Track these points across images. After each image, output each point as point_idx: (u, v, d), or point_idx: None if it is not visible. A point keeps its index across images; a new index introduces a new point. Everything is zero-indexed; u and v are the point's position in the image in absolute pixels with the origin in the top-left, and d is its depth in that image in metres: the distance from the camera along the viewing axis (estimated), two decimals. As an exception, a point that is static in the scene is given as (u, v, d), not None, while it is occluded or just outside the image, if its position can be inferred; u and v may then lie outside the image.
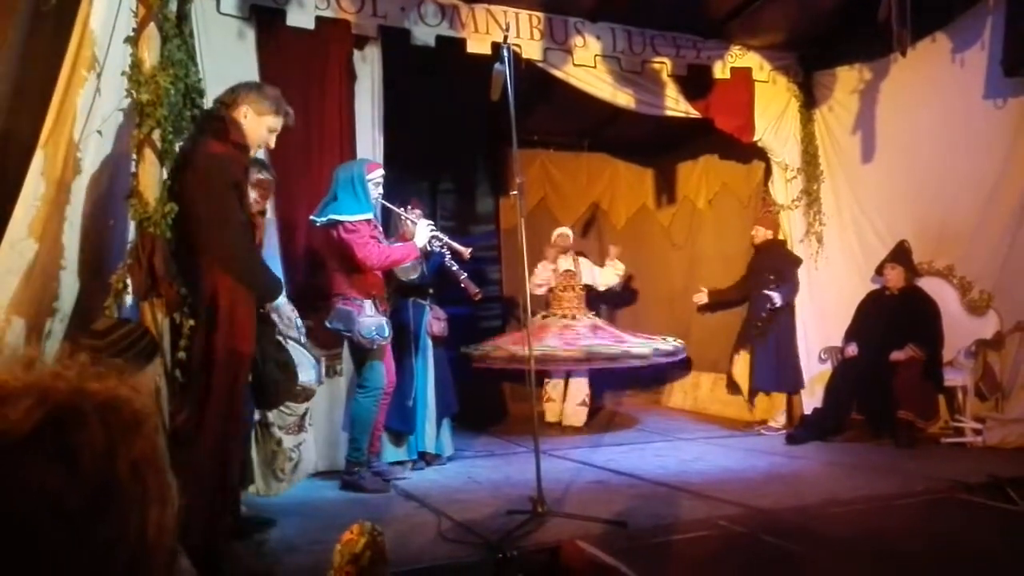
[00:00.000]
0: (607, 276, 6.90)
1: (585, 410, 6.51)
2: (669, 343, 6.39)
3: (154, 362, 2.31)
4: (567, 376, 6.55)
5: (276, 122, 3.18)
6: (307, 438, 4.40)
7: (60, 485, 0.58)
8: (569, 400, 6.53)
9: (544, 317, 6.64)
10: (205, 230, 2.97)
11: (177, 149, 3.20)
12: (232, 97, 3.11)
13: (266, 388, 3.22)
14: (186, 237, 3.04)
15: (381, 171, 4.47)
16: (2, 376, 0.61)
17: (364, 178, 4.28)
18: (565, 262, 6.75)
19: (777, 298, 6.04)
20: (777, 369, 6.09)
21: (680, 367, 7.42)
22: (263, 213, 3.52)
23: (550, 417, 6.55)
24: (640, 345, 6.25)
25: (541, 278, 6.69)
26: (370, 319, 4.23)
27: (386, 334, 4.28)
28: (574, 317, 6.58)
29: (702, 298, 6.75)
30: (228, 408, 2.94)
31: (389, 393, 4.50)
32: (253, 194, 3.54)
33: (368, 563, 2.24)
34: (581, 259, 6.93)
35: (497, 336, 6.74)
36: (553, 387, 6.62)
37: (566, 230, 7.00)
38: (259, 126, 3.13)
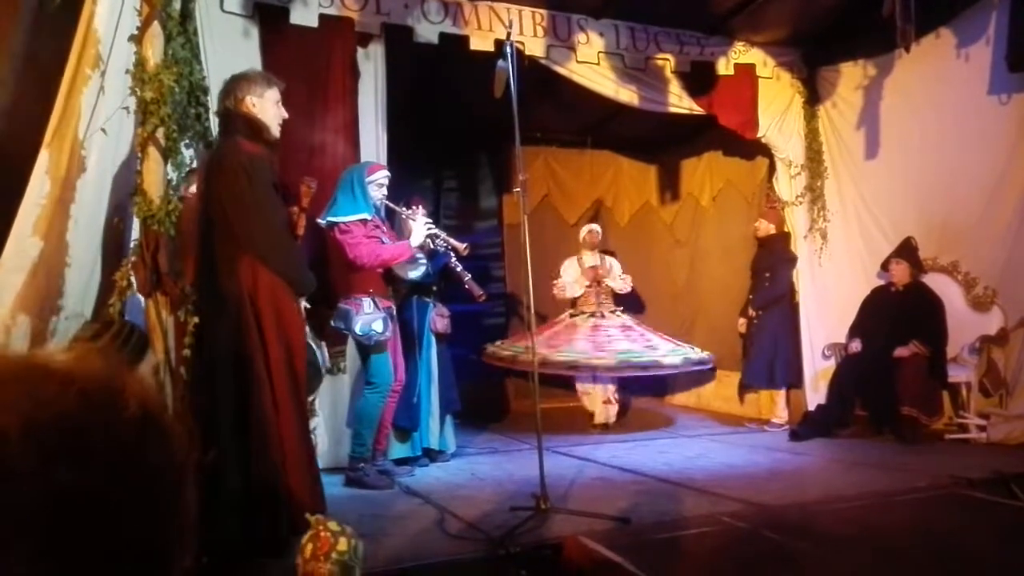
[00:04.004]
0: (619, 284, 6.73)
1: (614, 408, 6.45)
2: (699, 353, 6.31)
3: (145, 357, 2.33)
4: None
5: (275, 93, 3.27)
6: (319, 422, 4.55)
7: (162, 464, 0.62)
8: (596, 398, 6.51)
9: (572, 316, 6.55)
10: (247, 226, 2.99)
11: (182, 147, 3.21)
12: (235, 97, 3.15)
13: None
14: (218, 238, 3.05)
15: (384, 172, 4.50)
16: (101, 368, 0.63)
17: (364, 180, 4.34)
18: (591, 258, 6.70)
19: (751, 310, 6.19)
20: (770, 366, 6.09)
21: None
22: (304, 210, 3.60)
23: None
24: (671, 353, 6.16)
25: (567, 277, 6.64)
26: (366, 316, 4.26)
27: (381, 330, 4.28)
28: (603, 316, 6.47)
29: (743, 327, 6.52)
30: (298, 399, 3.00)
31: (398, 391, 4.51)
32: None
33: (310, 556, 2.29)
34: (609, 258, 6.87)
35: (518, 336, 6.70)
36: (583, 388, 6.53)
37: (594, 227, 6.97)
38: (268, 105, 3.23)
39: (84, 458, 0.57)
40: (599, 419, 6.38)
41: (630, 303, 7.88)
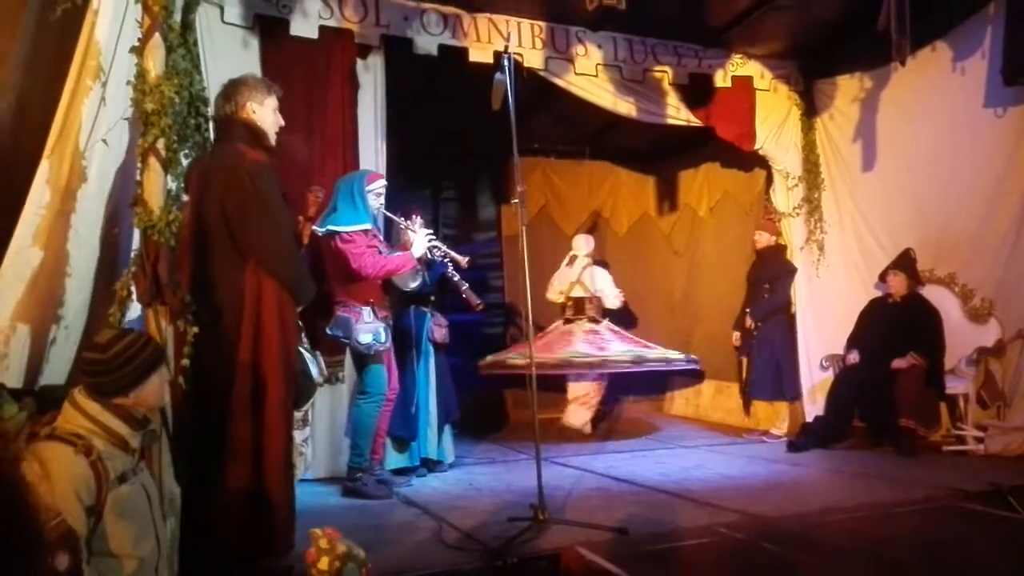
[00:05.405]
0: (610, 300, 6.80)
1: (587, 412, 6.52)
2: (688, 356, 6.49)
3: (159, 370, 2.32)
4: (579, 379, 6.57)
5: (274, 100, 3.24)
6: (310, 432, 4.54)
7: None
8: (571, 400, 6.57)
9: (567, 322, 6.64)
10: (255, 235, 2.97)
11: (182, 158, 3.21)
12: (236, 103, 3.14)
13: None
14: (215, 246, 3.04)
15: (383, 182, 4.51)
16: None
17: (363, 189, 4.34)
18: (575, 269, 6.80)
19: (749, 321, 6.21)
20: (776, 378, 6.10)
21: (683, 374, 7.44)
22: (311, 219, 3.60)
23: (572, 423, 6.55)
24: (664, 353, 6.34)
25: (557, 286, 6.83)
26: (367, 326, 4.28)
27: (383, 340, 4.31)
28: (594, 321, 6.59)
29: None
30: (286, 412, 2.98)
31: (392, 399, 4.51)
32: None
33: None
34: (597, 268, 6.90)
35: (516, 345, 6.75)
36: (574, 392, 6.61)
37: (581, 237, 7.05)
38: (267, 112, 3.21)
39: None
40: (571, 422, 6.46)
41: (628, 312, 7.93)
